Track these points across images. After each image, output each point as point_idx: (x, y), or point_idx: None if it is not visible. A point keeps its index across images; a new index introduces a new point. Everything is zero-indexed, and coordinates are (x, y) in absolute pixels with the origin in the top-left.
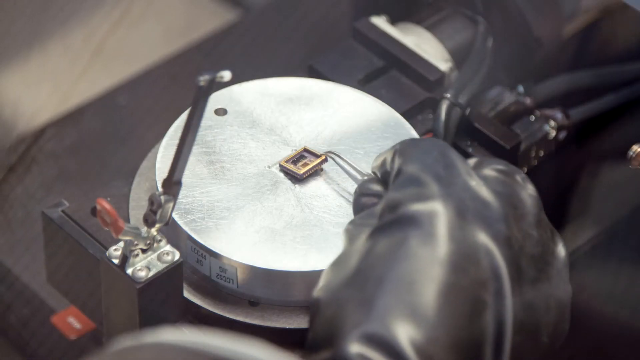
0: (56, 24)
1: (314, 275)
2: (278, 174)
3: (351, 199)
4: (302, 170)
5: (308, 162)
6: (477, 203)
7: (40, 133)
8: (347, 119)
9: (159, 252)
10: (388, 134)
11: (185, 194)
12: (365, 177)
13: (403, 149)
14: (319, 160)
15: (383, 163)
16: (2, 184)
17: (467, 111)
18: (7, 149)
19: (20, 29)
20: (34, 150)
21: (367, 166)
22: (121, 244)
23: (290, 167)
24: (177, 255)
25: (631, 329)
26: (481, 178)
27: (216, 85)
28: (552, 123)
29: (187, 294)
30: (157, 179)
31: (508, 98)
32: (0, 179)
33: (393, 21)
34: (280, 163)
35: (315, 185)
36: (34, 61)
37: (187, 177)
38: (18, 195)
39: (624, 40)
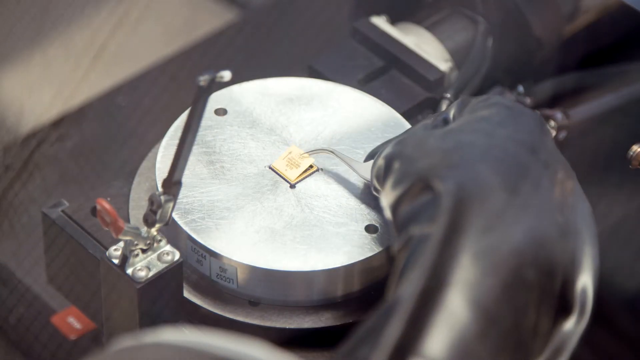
0: (57, 26)
1: (314, 275)
2: (278, 173)
3: (351, 198)
4: (293, 178)
5: (299, 165)
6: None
7: (41, 134)
8: (347, 119)
9: (159, 252)
10: (388, 134)
11: (185, 194)
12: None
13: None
14: (309, 164)
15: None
16: (2, 185)
17: None
18: (9, 150)
19: (21, 30)
20: (35, 152)
21: (367, 166)
22: (121, 244)
23: (281, 171)
24: (177, 255)
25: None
26: None
27: (216, 85)
28: (552, 123)
29: (187, 294)
30: (157, 179)
31: (508, 98)
32: (0, 179)
33: (393, 21)
34: (271, 166)
35: (315, 185)
36: (35, 63)
37: (187, 177)
38: (18, 196)
39: (624, 40)
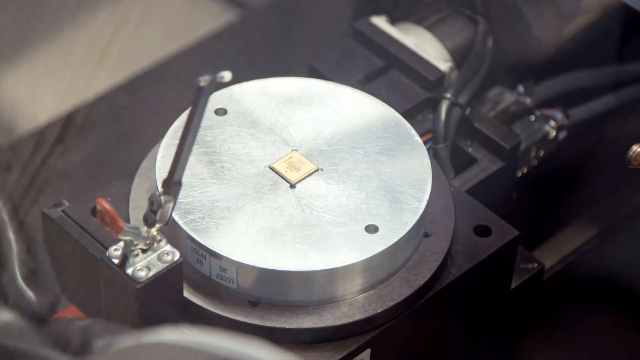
0: (57, 26)
1: (314, 275)
2: (278, 173)
3: (351, 198)
4: (293, 179)
5: (299, 169)
6: None
7: (40, 133)
8: (347, 119)
9: (159, 252)
10: (388, 134)
11: (185, 194)
12: None
13: None
14: (311, 169)
15: None
16: (1, 183)
17: (467, 111)
18: (8, 149)
19: (20, 29)
20: (34, 151)
21: (367, 166)
22: (121, 244)
23: (281, 172)
24: (177, 255)
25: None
26: None
27: (216, 85)
28: (552, 123)
29: (187, 294)
30: (157, 179)
31: (508, 98)
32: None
33: (393, 21)
34: (271, 166)
35: (315, 185)
36: (36, 64)
37: (187, 177)
38: (17, 195)
39: (624, 40)
